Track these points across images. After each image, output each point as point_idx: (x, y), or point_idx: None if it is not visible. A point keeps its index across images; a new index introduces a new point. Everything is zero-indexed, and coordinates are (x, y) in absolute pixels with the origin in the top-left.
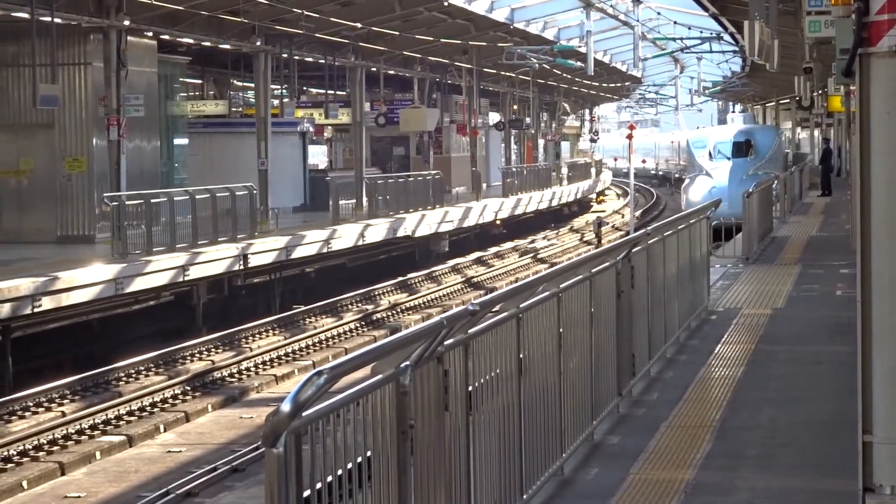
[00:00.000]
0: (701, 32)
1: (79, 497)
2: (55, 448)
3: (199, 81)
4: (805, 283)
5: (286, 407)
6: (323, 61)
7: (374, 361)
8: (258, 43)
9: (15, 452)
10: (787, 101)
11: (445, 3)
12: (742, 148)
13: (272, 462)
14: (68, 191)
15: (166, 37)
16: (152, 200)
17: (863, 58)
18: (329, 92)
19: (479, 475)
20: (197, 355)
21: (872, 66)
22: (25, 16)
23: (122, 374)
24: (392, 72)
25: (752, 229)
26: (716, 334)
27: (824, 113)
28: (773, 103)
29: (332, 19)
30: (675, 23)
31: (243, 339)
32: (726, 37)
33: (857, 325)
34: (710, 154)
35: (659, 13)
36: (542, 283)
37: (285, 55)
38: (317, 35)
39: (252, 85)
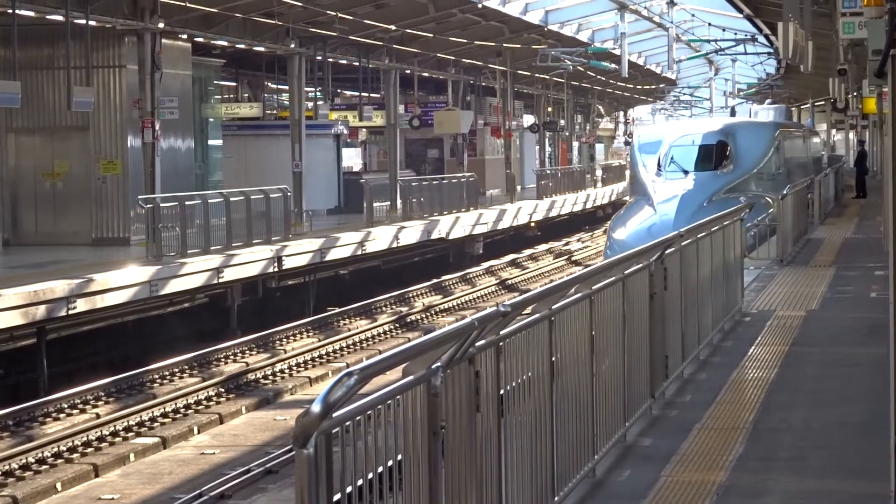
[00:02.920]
0: (735, 34)
1: (112, 499)
2: (89, 450)
3: (234, 84)
4: (839, 284)
5: (316, 408)
6: (357, 63)
7: (406, 362)
8: (292, 45)
9: (49, 454)
10: (822, 102)
11: (479, 6)
12: (711, 156)
13: (302, 463)
14: (103, 193)
15: (201, 39)
16: (187, 203)
17: (895, 59)
18: (363, 94)
19: (510, 477)
20: (231, 357)
21: None
22: (60, 18)
23: (157, 376)
24: (426, 74)
25: (786, 231)
26: (749, 336)
27: (859, 115)
28: (809, 105)
29: (366, 21)
30: (709, 24)
31: (277, 341)
32: (761, 38)
33: (890, 326)
34: (658, 165)
35: (693, 15)
36: (574, 284)
37: (319, 57)
38: (351, 37)
39: (286, 87)
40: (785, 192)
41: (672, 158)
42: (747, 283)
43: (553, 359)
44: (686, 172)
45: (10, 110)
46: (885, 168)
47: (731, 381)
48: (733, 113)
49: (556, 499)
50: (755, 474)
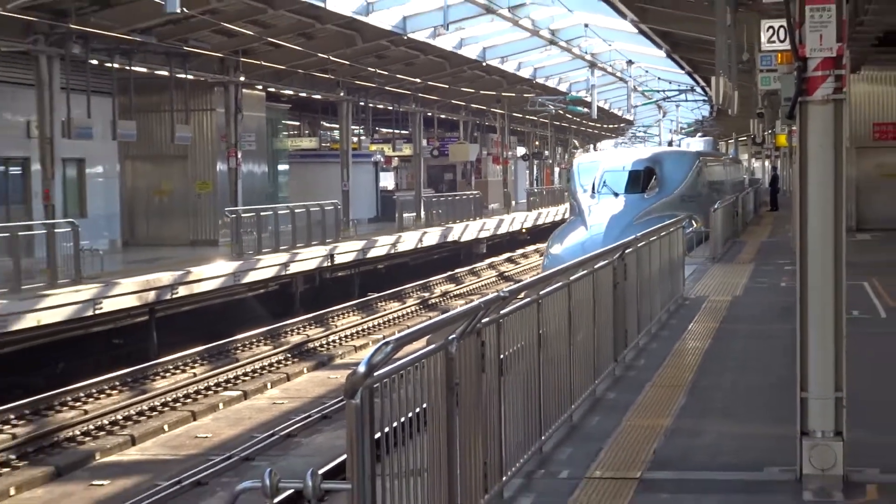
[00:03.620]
0: (679, 86)
1: (207, 437)
2: (188, 400)
3: (297, 123)
4: (757, 277)
5: (362, 368)
6: (391, 108)
7: (429, 335)
8: (342, 94)
9: (158, 403)
10: (745, 138)
11: (484, 64)
12: (640, 180)
13: (351, 410)
14: (198, 206)
15: (272, 89)
16: (261, 213)
17: (802, 105)
18: (395, 131)
19: (508, 422)
20: (295, 331)
21: (809, 111)
22: (166, 73)
23: (239, 345)
24: (443, 116)
25: (717, 235)
26: (689, 315)
27: (773, 147)
28: (734, 140)
29: (397, 76)
30: (658, 78)
31: (330, 319)
32: (698, 89)
33: (797, 308)
34: (593, 188)
35: (647, 71)
36: (556, 276)
37: (362, 103)
38: (386, 87)
39: (337, 126)
40: (716, 206)
41: (605, 182)
42: (687, 276)
43: (540, 332)
44: (616, 194)
45: (128, 143)
46: (793, 187)
47: (674, 350)
48: (670, 144)
49: (542, 437)
50: (693, 420)
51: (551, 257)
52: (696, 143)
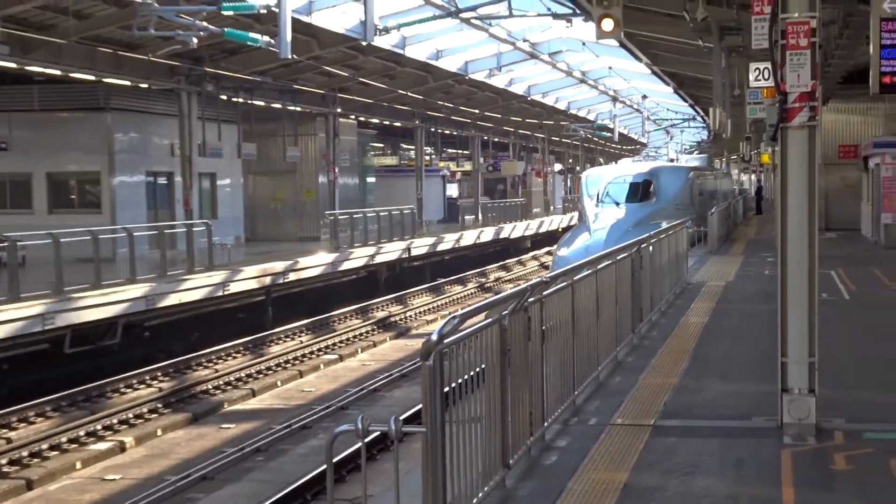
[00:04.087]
0: (683, 115)
1: (311, 391)
2: (297, 362)
3: (381, 144)
4: (746, 267)
5: (434, 336)
6: (455, 133)
7: (486, 311)
8: (416, 122)
9: (273, 364)
10: (735, 156)
11: (528, 98)
12: (639, 191)
13: (426, 371)
14: (304, 210)
15: (362, 118)
16: (354, 215)
17: (783, 130)
18: (459, 151)
19: (549, 381)
20: (380, 308)
21: (789, 135)
22: (279, 106)
23: (336, 319)
24: (496, 139)
25: (713, 233)
26: (691, 297)
27: (758, 164)
28: (727, 158)
29: (460, 108)
30: (667, 109)
31: (407, 299)
32: (698, 118)
33: (778, 293)
34: (597, 198)
35: (657, 103)
36: (586, 266)
37: (433, 129)
38: (451, 117)
39: (413, 147)
40: (712, 211)
41: (608, 192)
42: (690, 265)
43: (573, 309)
44: (618, 203)
45: (250, 161)
46: (775, 196)
47: (680, 324)
48: (672, 161)
49: (575, 392)
50: (695, 380)
51: (558, 258)
52: (693, 160)
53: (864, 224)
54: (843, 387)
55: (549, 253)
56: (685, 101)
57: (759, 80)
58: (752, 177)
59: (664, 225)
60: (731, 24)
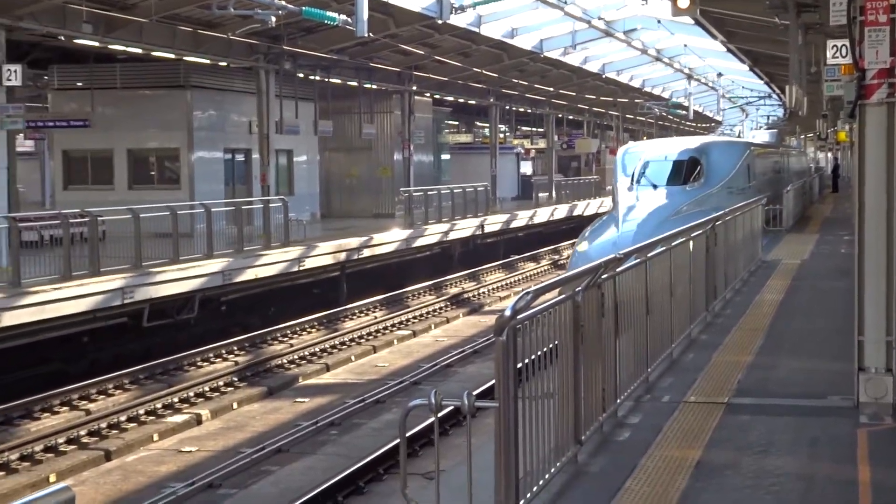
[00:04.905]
0: (759, 93)
1: (384, 366)
2: (370, 337)
3: (456, 122)
4: (822, 244)
5: (508, 312)
6: (530, 111)
7: (560, 287)
8: (491, 100)
9: (347, 339)
10: (812, 135)
11: (603, 76)
12: (682, 171)
13: (499, 346)
14: (380, 186)
15: (437, 96)
16: (428, 192)
17: (861, 107)
18: (533, 129)
19: (621, 357)
20: (453, 284)
21: (868, 112)
22: (355, 84)
23: (410, 295)
24: (571, 117)
25: (789, 211)
26: (766, 274)
27: (834, 142)
28: (803, 136)
29: (535, 86)
30: (742, 87)
31: (481, 275)
32: (774, 95)
33: (855, 270)
34: (633, 178)
35: (733, 81)
36: (660, 242)
37: (507, 107)
38: (526, 95)
39: (487, 125)
40: (788, 188)
41: (644, 173)
42: (765, 243)
43: (647, 286)
44: (656, 186)
45: (326, 138)
46: (853, 173)
47: (754, 302)
48: (739, 136)
49: (648, 370)
50: (769, 357)
51: (578, 255)
52: (761, 135)
53: None
54: None
55: None
56: (761, 78)
57: (837, 58)
58: (829, 154)
59: (713, 213)
60: (807, 1)
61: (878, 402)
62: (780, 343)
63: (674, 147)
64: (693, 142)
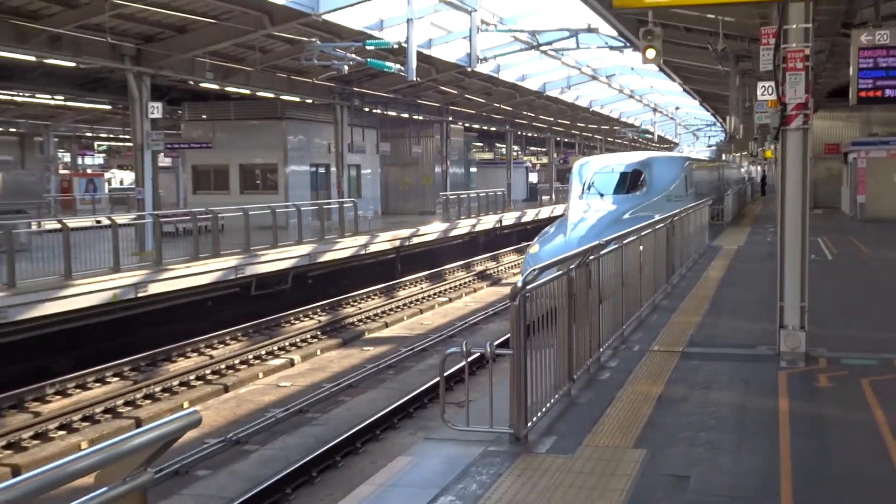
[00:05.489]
0: (706, 121)
1: (428, 324)
2: (418, 303)
3: (481, 144)
4: (754, 234)
5: (519, 283)
6: (536, 136)
7: (559, 265)
8: (507, 127)
9: (400, 304)
10: (746, 153)
11: (591, 110)
12: (627, 182)
13: (513, 309)
14: (424, 191)
15: (467, 125)
16: (460, 195)
17: (783, 132)
18: (539, 148)
19: (603, 317)
20: (479, 264)
21: (788, 135)
22: (406, 115)
23: (447, 271)
24: (566, 140)
25: (729, 209)
26: (712, 257)
27: (763, 158)
28: (740, 154)
29: (540, 117)
30: (694, 117)
31: (500, 257)
32: (717, 124)
33: (778, 254)
34: (583, 188)
35: (687, 112)
36: (633, 233)
37: (519, 133)
38: (533, 123)
39: (504, 145)
40: (728, 191)
41: (593, 183)
42: (710, 233)
43: (622, 265)
44: (602, 195)
45: (385, 156)
46: (776, 181)
47: (703, 277)
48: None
49: (623, 326)
50: (714, 318)
51: (530, 257)
52: (702, 152)
53: (843, 203)
54: (827, 325)
55: None
56: (708, 110)
57: (765, 95)
58: (759, 168)
59: (656, 217)
60: (743, 53)
61: (794, 352)
62: (722, 308)
63: (621, 160)
64: (638, 156)
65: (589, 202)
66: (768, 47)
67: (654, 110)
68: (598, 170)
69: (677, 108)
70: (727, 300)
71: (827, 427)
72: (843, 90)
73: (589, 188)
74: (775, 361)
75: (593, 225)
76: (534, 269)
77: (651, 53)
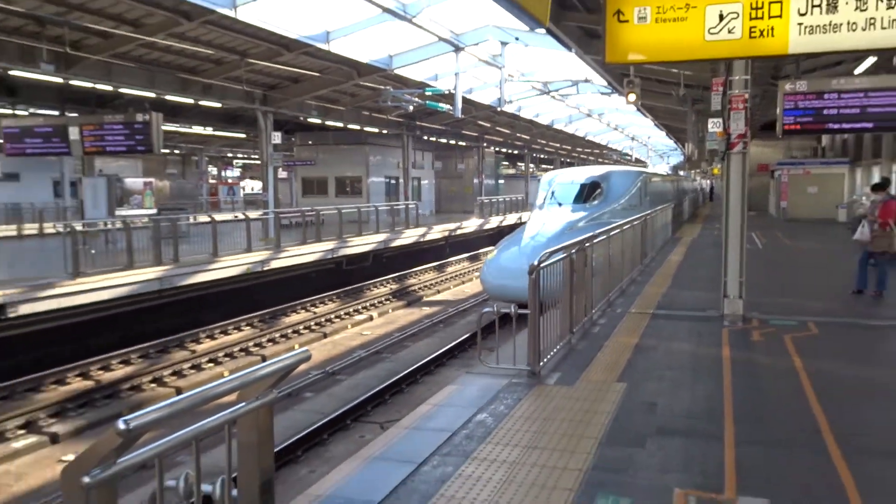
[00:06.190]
0: (671, 146)
1: (469, 291)
2: (461, 276)
3: (507, 162)
4: (704, 229)
5: (535, 263)
6: (547, 157)
7: (563, 252)
8: (525, 150)
9: (449, 277)
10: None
11: (586, 139)
12: (584, 193)
13: (531, 281)
14: (466, 197)
15: (497, 149)
16: (492, 199)
17: (727, 154)
18: (548, 166)
19: (594, 287)
20: None
21: (731, 157)
22: (454, 142)
23: (482, 255)
24: (568, 159)
25: (685, 210)
26: (674, 245)
27: (711, 173)
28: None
29: (550, 143)
30: (662, 143)
31: None
32: (679, 149)
33: (723, 243)
34: (544, 199)
35: (657, 140)
36: (616, 228)
37: (535, 154)
38: (545, 147)
39: (523, 164)
40: (686, 199)
41: (554, 193)
42: (672, 228)
43: (609, 249)
44: (560, 204)
45: (438, 171)
46: (722, 191)
47: (667, 261)
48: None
49: (609, 294)
50: (675, 290)
51: (489, 261)
52: (663, 168)
53: (770, 207)
54: (759, 295)
55: None
56: (671, 139)
57: (715, 127)
58: (708, 181)
59: (609, 225)
60: (697, 98)
61: (734, 314)
62: (681, 282)
63: (582, 174)
64: (599, 170)
65: (549, 211)
66: (717, 93)
67: (632, 139)
68: (561, 181)
69: (649, 137)
70: (685, 276)
71: (758, 369)
72: (772, 124)
73: (550, 198)
74: (720, 321)
75: (548, 234)
76: (545, 253)
77: (632, 97)
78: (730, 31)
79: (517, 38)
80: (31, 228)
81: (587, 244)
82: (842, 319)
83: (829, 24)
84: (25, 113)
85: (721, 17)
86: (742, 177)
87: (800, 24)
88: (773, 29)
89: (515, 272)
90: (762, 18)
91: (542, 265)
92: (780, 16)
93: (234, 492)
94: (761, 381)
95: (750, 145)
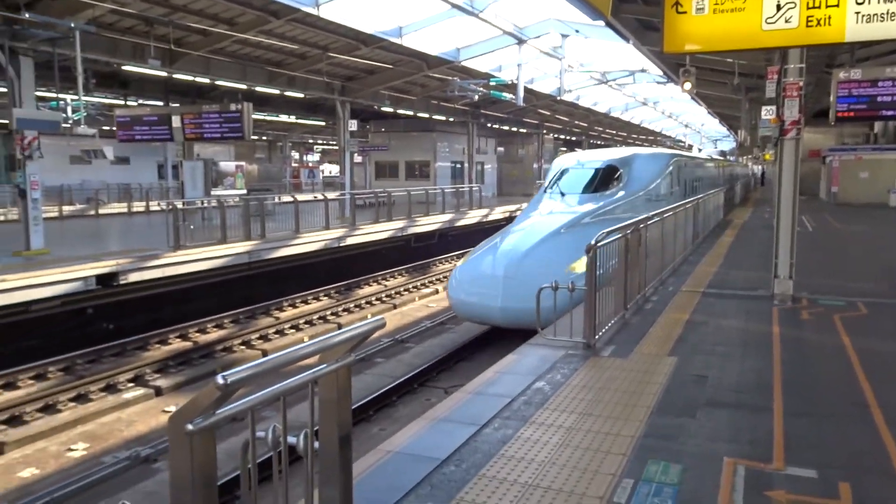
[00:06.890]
0: (723, 133)
1: None
2: None
3: (565, 148)
4: (756, 213)
5: (593, 242)
6: (602, 142)
7: (620, 231)
8: (583, 137)
9: None
10: (751, 156)
11: (641, 126)
12: (596, 180)
13: (589, 259)
14: (527, 180)
15: (556, 135)
16: None
17: (781, 140)
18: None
19: (648, 266)
20: None
21: (785, 143)
22: (515, 129)
23: None
24: (599, 141)
25: (737, 194)
26: (725, 227)
27: (762, 160)
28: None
29: (606, 130)
30: (715, 130)
31: None
32: (731, 136)
33: (775, 225)
34: (547, 188)
35: (710, 127)
36: (668, 210)
37: (591, 141)
38: (601, 135)
39: (581, 150)
40: (739, 183)
41: (558, 181)
42: (724, 210)
43: (662, 231)
44: (564, 194)
45: (500, 155)
46: (775, 176)
47: (718, 242)
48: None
49: (662, 273)
50: (726, 269)
51: (457, 269)
52: (709, 151)
53: (821, 192)
54: (808, 276)
55: None
56: (724, 126)
57: (768, 115)
58: (759, 167)
59: (629, 219)
60: (751, 86)
61: (784, 294)
62: (732, 261)
63: (599, 156)
64: (620, 152)
65: (545, 204)
66: (772, 81)
67: (686, 126)
68: (570, 166)
69: (703, 125)
70: (736, 257)
71: (807, 347)
72: (825, 112)
73: (553, 186)
74: (770, 301)
75: (534, 238)
76: (602, 232)
77: (688, 85)
78: (787, 21)
79: (577, 31)
80: (139, 206)
81: (642, 225)
82: (891, 301)
83: (887, 13)
84: (135, 104)
85: (778, 7)
86: (794, 162)
87: (857, 12)
88: (829, 18)
89: (488, 285)
90: (819, 7)
91: (599, 244)
92: (838, 5)
93: (316, 444)
94: (810, 357)
95: (803, 132)
